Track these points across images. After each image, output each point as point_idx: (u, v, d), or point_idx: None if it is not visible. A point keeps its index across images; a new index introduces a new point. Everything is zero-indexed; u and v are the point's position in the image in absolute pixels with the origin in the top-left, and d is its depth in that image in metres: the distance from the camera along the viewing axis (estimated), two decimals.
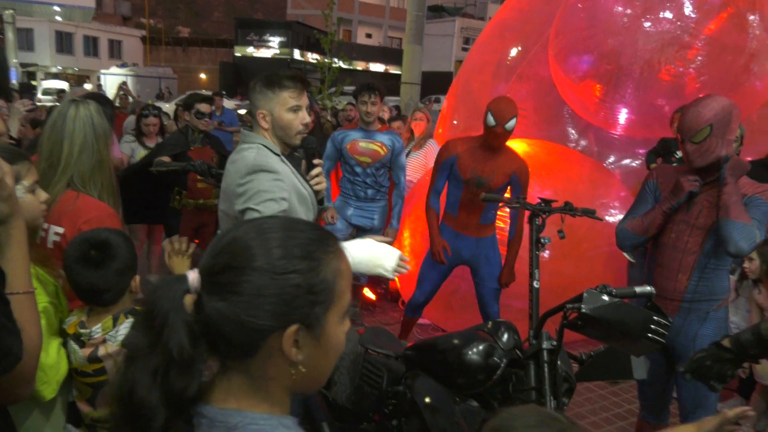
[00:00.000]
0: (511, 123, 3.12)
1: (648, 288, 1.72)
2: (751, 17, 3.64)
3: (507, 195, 3.35)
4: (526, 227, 2.92)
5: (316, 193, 2.11)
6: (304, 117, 2.02)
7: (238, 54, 32.47)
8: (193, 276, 0.77)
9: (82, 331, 1.60)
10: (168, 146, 4.11)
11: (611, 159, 4.67)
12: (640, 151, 4.51)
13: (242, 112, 13.20)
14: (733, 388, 3.32)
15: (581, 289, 2.47)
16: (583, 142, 4.82)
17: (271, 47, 32.28)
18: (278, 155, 2.02)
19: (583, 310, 1.60)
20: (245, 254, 0.76)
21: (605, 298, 1.61)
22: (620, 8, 3.86)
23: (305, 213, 2.03)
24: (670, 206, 2.25)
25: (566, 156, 4.43)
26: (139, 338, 0.75)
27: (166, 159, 3.78)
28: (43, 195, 1.66)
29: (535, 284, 2.61)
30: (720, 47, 3.62)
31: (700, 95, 3.78)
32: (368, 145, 3.94)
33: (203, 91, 11.56)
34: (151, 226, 4.89)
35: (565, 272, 3.76)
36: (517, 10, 5.50)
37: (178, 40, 41.04)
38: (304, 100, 2.03)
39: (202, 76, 36.94)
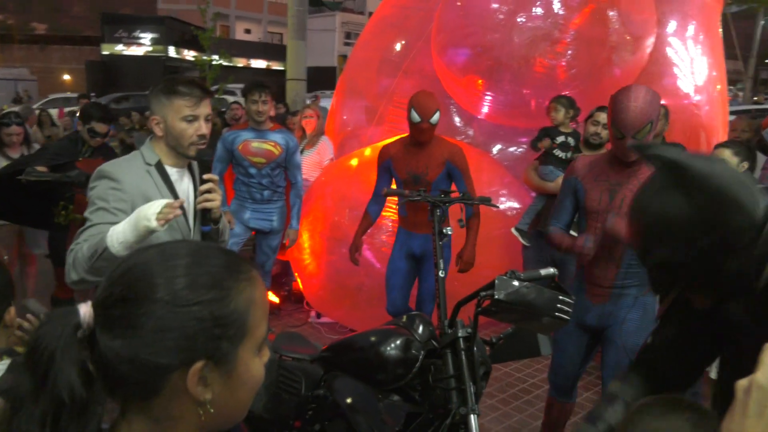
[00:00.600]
0: (435, 117, 3.17)
1: (552, 270, 1.85)
2: (611, 13, 3.99)
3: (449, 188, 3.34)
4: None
5: (207, 211, 1.92)
6: (200, 127, 1.89)
7: (106, 52, 30.20)
8: (84, 309, 0.69)
9: None
10: (50, 154, 3.72)
11: (497, 148, 4.92)
12: (523, 139, 4.80)
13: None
14: None
15: (481, 274, 2.60)
16: (469, 133, 5.04)
17: (143, 44, 30.38)
18: (149, 164, 1.89)
19: (497, 297, 1.69)
20: (144, 284, 0.68)
21: (515, 283, 1.71)
22: (495, 5, 4.08)
23: (169, 235, 1.80)
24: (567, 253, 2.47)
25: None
26: (21, 383, 0.65)
27: (41, 168, 3.43)
28: None
29: (441, 273, 2.71)
30: (586, 41, 3.94)
31: (571, 86, 4.13)
32: (261, 145, 3.85)
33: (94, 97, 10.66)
34: (22, 242, 4.44)
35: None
36: (398, 6, 5.62)
37: (34, 37, 37.37)
38: (203, 110, 1.90)
39: (66, 77, 33.96)
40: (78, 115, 4.01)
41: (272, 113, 6.41)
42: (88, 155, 3.75)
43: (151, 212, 1.62)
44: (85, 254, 1.70)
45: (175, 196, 1.90)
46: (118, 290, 0.69)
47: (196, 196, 1.97)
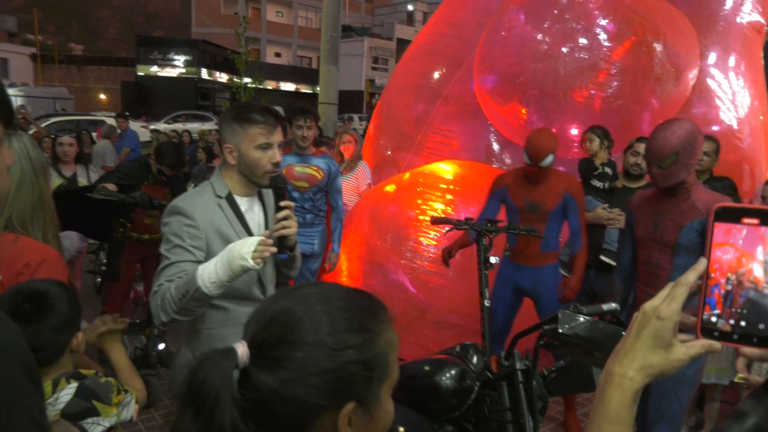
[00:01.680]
0: (547, 160, 3.12)
1: (613, 305, 1.84)
2: (656, 44, 3.99)
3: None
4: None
5: (284, 238, 1.84)
6: (275, 156, 1.86)
7: (140, 73, 31.14)
8: (242, 350, 0.72)
9: None
10: (119, 174, 3.91)
11: None
12: (560, 168, 4.78)
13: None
14: None
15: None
16: (506, 159, 5.05)
17: (177, 66, 31.24)
18: (220, 197, 1.88)
19: (560, 331, 1.67)
20: (299, 327, 0.72)
21: (579, 318, 1.70)
22: (540, 35, 4.11)
23: None
24: None
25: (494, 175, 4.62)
26: (187, 424, 0.69)
27: (111, 187, 3.61)
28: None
29: (486, 303, 2.70)
30: (631, 72, 3.94)
31: (613, 116, 4.12)
32: (304, 170, 3.91)
33: (105, 116, 10.97)
34: (71, 261, 4.56)
35: None
36: (437, 34, 5.70)
37: (72, 58, 38.65)
38: (276, 137, 1.87)
39: (102, 96, 34.99)
40: (152, 151, 4.12)
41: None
42: (152, 182, 3.96)
43: (245, 251, 1.61)
44: (174, 296, 1.68)
45: (246, 227, 1.89)
46: (277, 332, 0.72)
47: (266, 224, 1.97)
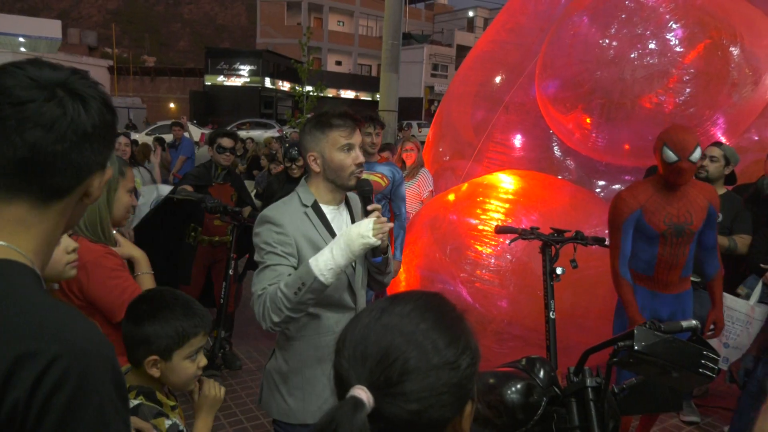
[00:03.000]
0: (696, 153, 2.66)
1: (694, 322, 1.75)
2: (732, 48, 3.81)
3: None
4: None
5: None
6: (358, 156, 1.91)
7: (208, 83, 32.41)
8: (366, 396, 0.73)
9: None
10: (190, 178, 4.24)
11: (600, 184, 4.78)
12: (627, 177, 4.63)
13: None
14: None
15: (586, 317, 2.45)
16: (569, 167, 4.93)
17: (242, 76, 32.32)
18: (306, 206, 1.91)
19: (636, 348, 1.62)
20: (412, 356, 0.74)
21: (657, 334, 1.64)
22: (605, 41, 4.00)
23: None
24: None
25: (558, 186, 4.51)
26: None
27: (188, 188, 3.91)
28: (70, 243, 1.54)
29: (551, 315, 2.65)
30: (705, 77, 3.77)
31: (689, 124, 3.95)
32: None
33: (182, 120, 11.45)
34: None
35: (565, 299, 3.80)
36: (497, 41, 5.64)
37: (146, 69, 40.71)
38: (357, 138, 1.93)
39: (172, 105, 36.65)
40: (208, 141, 4.45)
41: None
42: (220, 180, 4.23)
43: (364, 230, 1.68)
44: (287, 293, 1.71)
45: (333, 235, 1.90)
46: (394, 368, 0.74)
47: None
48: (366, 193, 1.90)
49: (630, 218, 2.77)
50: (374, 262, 1.95)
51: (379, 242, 1.69)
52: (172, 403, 1.57)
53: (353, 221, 2.01)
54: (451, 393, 0.74)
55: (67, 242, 1.54)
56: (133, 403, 1.46)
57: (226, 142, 4.21)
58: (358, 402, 0.72)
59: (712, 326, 2.81)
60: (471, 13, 43.96)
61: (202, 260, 4.31)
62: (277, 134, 18.02)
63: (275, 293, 1.73)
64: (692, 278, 2.86)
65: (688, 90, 3.77)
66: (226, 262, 4.14)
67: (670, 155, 2.65)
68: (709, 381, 1.67)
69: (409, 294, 0.84)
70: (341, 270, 1.71)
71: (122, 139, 5.36)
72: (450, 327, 0.78)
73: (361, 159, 1.92)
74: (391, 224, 1.72)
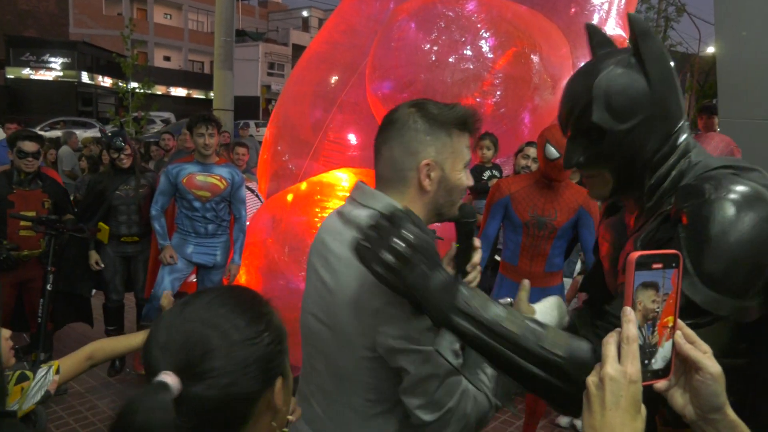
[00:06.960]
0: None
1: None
2: (533, 56, 4.31)
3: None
4: None
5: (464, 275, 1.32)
6: (469, 178, 1.31)
7: (10, 76, 28.52)
8: (171, 379, 0.72)
9: None
10: None
11: None
12: None
13: None
14: None
15: None
16: None
17: (53, 69, 28.95)
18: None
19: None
20: (215, 335, 0.76)
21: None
22: (427, 45, 4.29)
23: None
24: None
25: None
26: None
27: None
28: None
29: None
30: (513, 81, 4.22)
31: (500, 123, 4.40)
32: (206, 179, 3.82)
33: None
34: None
35: None
36: (330, 42, 5.76)
37: None
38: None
39: None
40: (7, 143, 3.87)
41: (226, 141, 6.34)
42: (23, 187, 3.70)
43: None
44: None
45: None
46: (196, 349, 0.75)
47: None
48: (469, 226, 1.29)
49: (498, 203, 2.98)
50: None
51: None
52: None
53: None
54: (258, 366, 0.77)
55: None
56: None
57: (28, 146, 3.66)
58: (161, 384, 0.72)
59: None
60: (305, 13, 44.11)
61: (10, 279, 3.74)
62: (98, 134, 16.48)
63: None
64: None
65: (498, 92, 4.19)
66: (44, 276, 3.68)
67: (552, 152, 2.82)
68: None
69: (211, 288, 0.88)
70: None
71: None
72: (250, 309, 0.81)
73: (470, 182, 1.31)
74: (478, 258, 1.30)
